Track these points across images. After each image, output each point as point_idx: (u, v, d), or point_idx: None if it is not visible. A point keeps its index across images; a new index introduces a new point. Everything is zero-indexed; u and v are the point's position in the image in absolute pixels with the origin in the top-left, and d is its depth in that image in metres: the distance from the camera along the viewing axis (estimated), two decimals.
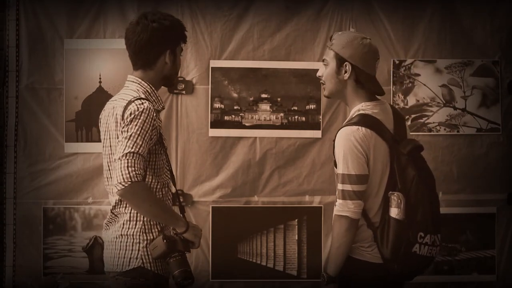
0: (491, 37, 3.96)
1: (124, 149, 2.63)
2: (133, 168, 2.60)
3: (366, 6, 3.93)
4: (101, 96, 3.75)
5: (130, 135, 2.66)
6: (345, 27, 3.90)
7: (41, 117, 3.87)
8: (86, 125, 3.85)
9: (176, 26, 2.89)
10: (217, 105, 3.91)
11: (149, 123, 2.71)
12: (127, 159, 2.61)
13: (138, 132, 2.67)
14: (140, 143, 2.66)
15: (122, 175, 2.59)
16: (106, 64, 3.82)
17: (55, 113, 3.87)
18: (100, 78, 3.86)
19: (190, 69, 3.90)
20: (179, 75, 3.83)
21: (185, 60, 3.88)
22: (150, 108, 2.73)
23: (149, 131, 2.70)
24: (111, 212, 2.84)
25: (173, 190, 2.96)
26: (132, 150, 2.63)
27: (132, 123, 2.68)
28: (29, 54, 3.86)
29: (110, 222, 2.85)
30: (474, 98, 3.97)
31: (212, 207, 3.91)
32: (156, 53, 2.84)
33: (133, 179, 2.59)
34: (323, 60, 2.98)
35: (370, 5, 3.93)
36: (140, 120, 2.69)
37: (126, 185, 2.59)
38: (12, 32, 3.86)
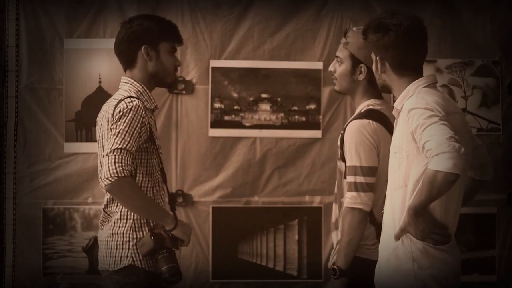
0: (491, 37, 3.96)
1: (112, 145, 2.67)
2: (120, 164, 2.63)
3: (366, 6, 3.93)
4: (101, 96, 3.75)
5: (118, 132, 2.70)
6: (345, 27, 3.89)
7: (41, 117, 3.86)
8: (86, 125, 3.85)
9: (155, 23, 2.94)
10: (217, 105, 3.91)
11: (138, 120, 2.74)
12: (115, 155, 2.65)
13: (126, 129, 2.70)
14: (128, 139, 2.69)
15: (109, 170, 2.63)
16: (106, 64, 3.82)
17: (55, 113, 3.87)
18: (100, 78, 3.86)
19: (190, 69, 3.90)
20: (179, 75, 3.84)
21: (185, 60, 3.88)
22: (139, 105, 2.77)
23: (137, 128, 2.73)
24: (104, 211, 2.89)
25: (165, 188, 2.96)
26: (120, 146, 2.66)
27: (120, 120, 2.72)
28: (29, 54, 3.86)
29: (104, 221, 2.90)
30: (474, 98, 3.96)
31: (212, 207, 3.90)
32: (132, 49, 2.92)
33: (119, 175, 2.62)
34: (336, 57, 2.99)
35: (370, 5, 3.93)
36: (128, 118, 2.72)
37: (113, 180, 2.62)
38: (11, 32, 3.85)
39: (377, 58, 2.64)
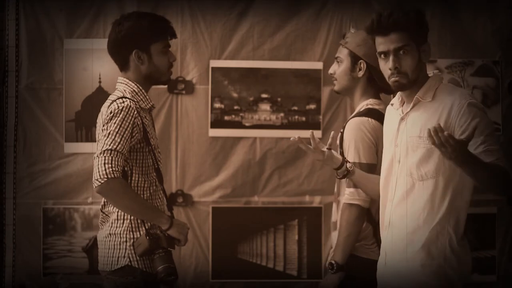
0: (491, 37, 3.96)
1: (103, 146, 2.68)
2: (109, 165, 2.64)
3: (366, 6, 3.93)
4: (101, 96, 3.74)
5: (109, 133, 2.70)
6: (345, 27, 3.89)
7: (41, 117, 3.86)
8: (86, 125, 3.85)
9: (146, 24, 2.85)
10: (217, 105, 3.91)
11: (129, 121, 2.74)
12: (104, 156, 2.65)
13: (117, 130, 2.70)
14: (119, 140, 2.69)
15: (98, 172, 2.64)
16: (106, 64, 3.81)
17: (55, 113, 3.87)
18: (100, 78, 3.86)
19: (190, 69, 3.90)
20: (179, 74, 3.84)
21: (185, 60, 3.88)
22: (130, 106, 2.76)
23: (128, 129, 2.73)
24: (101, 211, 2.89)
25: (161, 188, 2.95)
26: (110, 147, 2.67)
27: (111, 121, 2.72)
28: (29, 54, 3.86)
29: (103, 222, 2.90)
30: (474, 98, 3.95)
31: (212, 207, 3.90)
32: (123, 54, 2.87)
33: (109, 176, 2.62)
34: (336, 58, 3.02)
35: (370, 5, 3.93)
36: (119, 118, 2.72)
37: (103, 181, 2.63)
38: (12, 32, 3.85)
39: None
